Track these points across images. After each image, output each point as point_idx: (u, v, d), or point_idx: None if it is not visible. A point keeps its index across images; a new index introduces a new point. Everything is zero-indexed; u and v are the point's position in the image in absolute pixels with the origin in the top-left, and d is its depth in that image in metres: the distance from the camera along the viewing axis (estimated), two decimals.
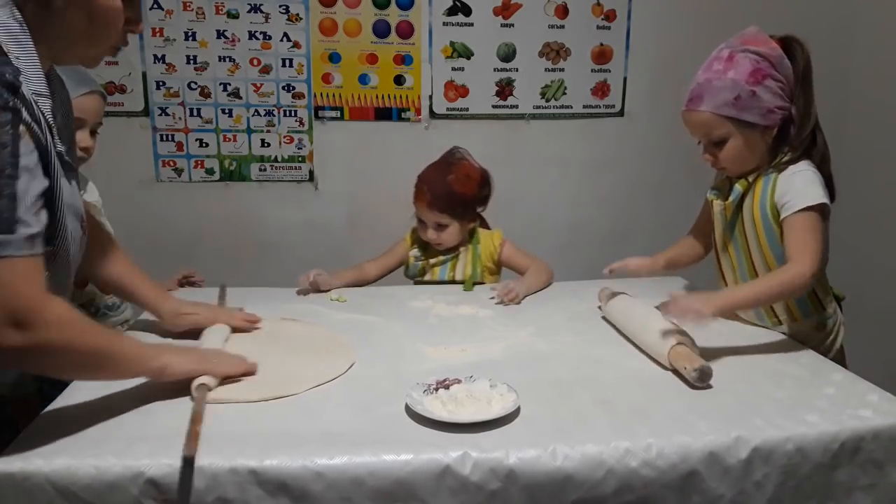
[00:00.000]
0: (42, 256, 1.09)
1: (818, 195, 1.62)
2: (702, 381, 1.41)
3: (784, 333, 1.77)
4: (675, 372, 1.48)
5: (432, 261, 2.24)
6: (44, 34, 1.12)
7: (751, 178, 1.72)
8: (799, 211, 1.61)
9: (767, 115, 1.65)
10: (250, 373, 1.41)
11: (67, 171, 1.19)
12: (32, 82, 1.08)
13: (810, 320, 1.77)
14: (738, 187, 1.73)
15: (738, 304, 1.68)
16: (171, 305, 1.63)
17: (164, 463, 1.08)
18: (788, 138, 1.69)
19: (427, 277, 2.26)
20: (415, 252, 2.27)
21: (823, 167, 1.69)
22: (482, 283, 2.21)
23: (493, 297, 1.99)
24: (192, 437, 1.12)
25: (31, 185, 1.05)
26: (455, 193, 2.16)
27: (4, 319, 1.03)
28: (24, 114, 1.04)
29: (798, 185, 1.64)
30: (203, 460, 1.09)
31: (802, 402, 1.35)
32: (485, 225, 2.33)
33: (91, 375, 1.26)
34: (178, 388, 1.31)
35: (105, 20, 1.16)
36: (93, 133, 1.75)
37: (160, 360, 1.28)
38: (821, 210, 1.63)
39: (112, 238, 1.63)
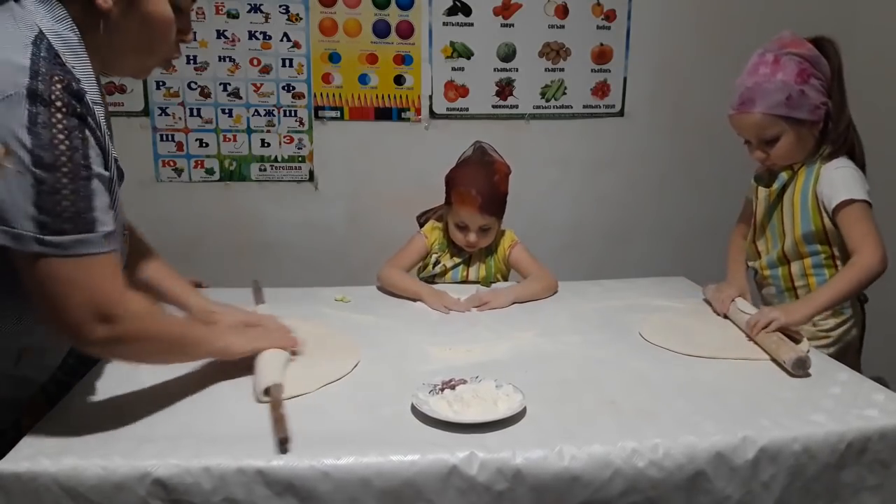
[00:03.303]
0: (118, 253, 1.15)
1: (862, 192, 1.73)
2: (800, 368, 1.47)
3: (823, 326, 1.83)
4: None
5: (448, 264, 2.21)
6: (97, 46, 1.15)
7: (795, 168, 1.82)
8: (849, 203, 1.71)
9: (815, 110, 1.75)
10: (294, 344, 1.52)
11: (120, 178, 1.21)
12: (88, 92, 1.11)
13: (844, 313, 1.84)
14: (784, 175, 1.83)
15: (820, 309, 1.70)
16: (201, 304, 1.62)
17: (171, 463, 1.08)
18: (827, 132, 1.79)
19: (438, 280, 2.22)
20: (436, 257, 2.22)
21: (859, 157, 1.80)
22: (496, 282, 2.20)
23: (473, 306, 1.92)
24: (279, 422, 1.18)
25: (101, 187, 1.10)
26: (501, 194, 2.13)
27: (91, 315, 1.09)
28: (90, 120, 1.09)
29: (841, 180, 1.74)
30: (210, 460, 1.09)
31: (809, 401, 1.35)
32: None
33: (168, 360, 1.33)
34: (185, 387, 1.30)
35: (158, 32, 1.19)
36: None
37: (222, 340, 1.38)
38: (866, 203, 1.73)
39: (144, 238, 1.65)
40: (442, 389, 1.34)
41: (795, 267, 1.86)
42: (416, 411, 1.27)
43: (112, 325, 1.10)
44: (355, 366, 1.50)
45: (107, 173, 1.12)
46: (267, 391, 1.31)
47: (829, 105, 1.77)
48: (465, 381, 1.37)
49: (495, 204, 2.10)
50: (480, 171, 2.12)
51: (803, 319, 1.65)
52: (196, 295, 1.65)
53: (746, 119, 1.78)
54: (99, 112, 1.13)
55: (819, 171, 1.78)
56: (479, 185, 2.07)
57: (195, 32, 1.34)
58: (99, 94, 1.15)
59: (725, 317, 1.83)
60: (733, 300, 1.83)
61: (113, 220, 1.12)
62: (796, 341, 1.61)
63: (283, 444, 1.13)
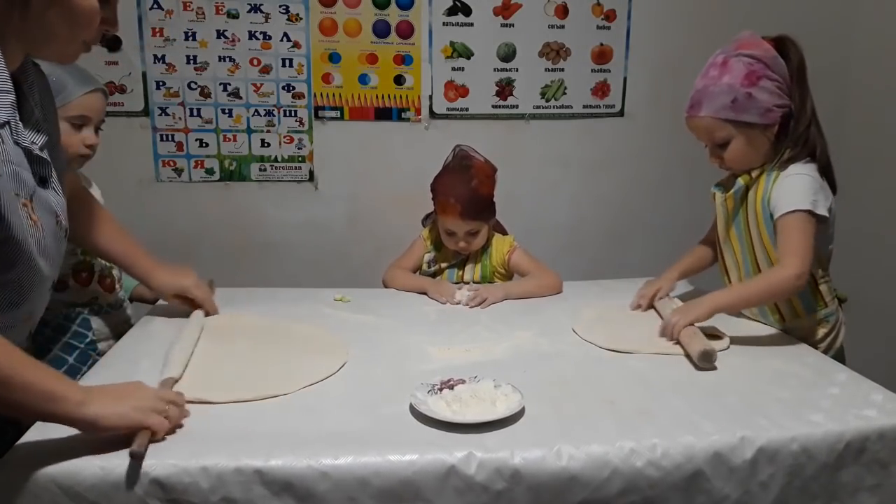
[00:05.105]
0: None
1: (806, 201, 1.65)
2: (705, 361, 1.50)
3: (785, 330, 1.79)
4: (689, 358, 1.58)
5: (443, 265, 2.23)
6: (18, 31, 1.12)
7: (754, 174, 1.76)
8: (789, 212, 1.66)
9: (766, 114, 1.70)
10: (175, 425, 1.19)
11: (40, 166, 1.18)
12: None
13: (813, 316, 1.79)
14: (741, 181, 1.77)
15: (721, 309, 1.71)
16: (165, 281, 1.76)
17: (169, 463, 1.08)
18: (788, 134, 1.73)
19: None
20: (429, 256, 2.24)
21: (821, 159, 1.73)
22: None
23: (462, 302, 1.98)
24: (143, 435, 1.11)
25: None
26: (482, 197, 2.12)
27: None
28: None
29: (791, 188, 1.68)
30: (208, 460, 1.09)
31: (807, 402, 1.35)
32: (500, 228, 2.32)
33: None
34: (183, 387, 1.31)
35: (82, 20, 1.15)
36: (96, 130, 1.76)
37: (90, 408, 1.09)
38: (808, 213, 1.66)
39: (103, 210, 1.72)
40: (440, 389, 1.34)
41: None
42: (414, 411, 1.27)
43: None
44: (341, 367, 1.50)
45: None
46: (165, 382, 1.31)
47: (790, 107, 1.71)
48: (463, 381, 1.37)
49: (477, 208, 2.10)
50: (457, 177, 2.13)
51: (701, 318, 1.65)
52: (163, 272, 1.75)
53: (695, 122, 1.76)
54: (3, 99, 1.09)
55: (777, 177, 1.72)
56: (457, 192, 2.08)
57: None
58: (8, 83, 1.10)
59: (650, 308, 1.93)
60: (661, 297, 1.90)
61: None
62: (718, 338, 1.66)
63: (134, 457, 1.07)
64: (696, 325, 1.64)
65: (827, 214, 1.68)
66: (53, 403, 1.06)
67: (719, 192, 1.85)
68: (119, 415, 1.11)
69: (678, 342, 1.62)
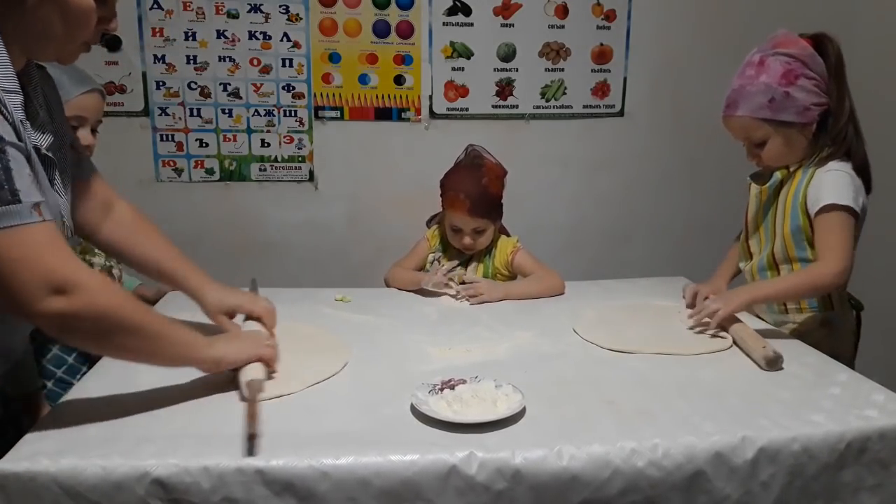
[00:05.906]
0: (55, 224, 1.10)
1: (846, 197, 1.66)
2: (772, 366, 1.50)
3: (787, 323, 1.80)
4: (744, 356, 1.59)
5: (447, 265, 2.22)
6: (16, 33, 1.12)
7: (791, 169, 1.78)
8: (829, 210, 1.66)
9: (804, 112, 1.70)
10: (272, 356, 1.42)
11: (47, 166, 1.18)
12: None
13: (816, 315, 1.80)
14: (778, 174, 1.79)
15: (760, 300, 1.77)
16: (216, 298, 1.58)
17: (170, 463, 1.08)
18: (826, 132, 1.74)
19: None
20: (434, 256, 2.24)
21: (855, 159, 1.73)
22: None
23: (460, 296, 2.00)
24: (251, 423, 1.15)
25: (19, 157, 1.06)
26: (491, 196, 2.13)
27: (43, 287, 1.04)
28: None
29: (830, 184, 1.69)
30: (209, 460, 1.09)
31: (808, 402, 1.34)
32: (503, 230, 2.32)
33: (136, 354, 1.22)
34: (184, 387, 1.31)
35: (78, 20, 1.16)
36: (93, 131, 1.76)
37: (215, 350, 1.30)
38: (850, 211, 1.66)
39: (150, 223, 1.61)
40: (441, 389, 1.34)
41: (785, 272, 1.80)
42: (415, 411, 1.27)
43: (68, 297, 1.05)
44: (344, 366, 1.50)
45: (22, 144, 1.08)
46: (248, 384, 1.29)
47: (828, 105, 1.72)
48: (464, 381, 1.37)
49: (485, 206, 2.11)
50: (468, 174, 2.14)
51: (740, 308, 1.69)
52: (215, 289, 1.58)
53: (733, 122, 1.76)
54: (12, 100, 1.10)
55: (813, 173, 1.73)
56: (467, 188, 2.09)
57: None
58: (16, 83, 1.11)
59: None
60: (707, 297, 1.86)
61: (39, 192, 1.08)
62: (721, 338, 1.67)
63: (251, 442, 1.12)
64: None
65: (859, 213, 1.68)
66: (186, 348, 1.26)
67: (755, 183, 1.87)
68: (238, 350, 1.34)
69: (734, 340, 1.64)
